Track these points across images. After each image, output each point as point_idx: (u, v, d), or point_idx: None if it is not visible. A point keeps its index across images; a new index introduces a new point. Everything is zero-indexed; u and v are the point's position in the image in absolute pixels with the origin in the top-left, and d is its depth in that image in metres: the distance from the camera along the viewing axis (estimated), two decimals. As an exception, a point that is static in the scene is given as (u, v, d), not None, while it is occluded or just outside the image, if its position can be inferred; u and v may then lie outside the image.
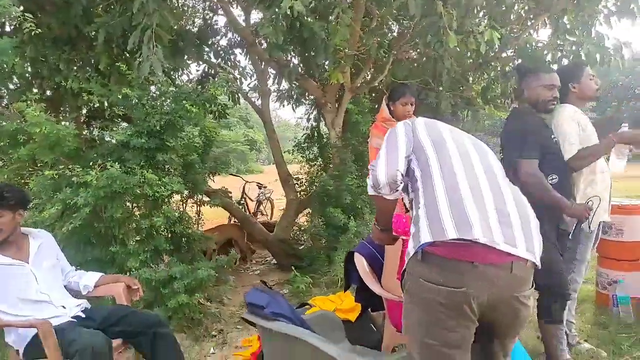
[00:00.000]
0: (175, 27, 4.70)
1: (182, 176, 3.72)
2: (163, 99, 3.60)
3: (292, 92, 6.68)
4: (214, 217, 6.61)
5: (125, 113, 3.73)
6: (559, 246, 2.58)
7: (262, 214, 8.98)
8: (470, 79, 4.99)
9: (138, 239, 3.54)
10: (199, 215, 4.45)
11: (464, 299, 1.40)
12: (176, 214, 3.59)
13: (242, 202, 8.49)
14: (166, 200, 3.48)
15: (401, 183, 1.59)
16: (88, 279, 2.59)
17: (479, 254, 1.39)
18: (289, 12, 3.07)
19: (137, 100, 3.38)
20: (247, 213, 8.36)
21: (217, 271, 3.54)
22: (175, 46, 4.08)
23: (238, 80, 6.59)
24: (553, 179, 2.54)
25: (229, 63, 6.47)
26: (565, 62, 4.25)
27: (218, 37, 6.22)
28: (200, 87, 6.89)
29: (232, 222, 6.52)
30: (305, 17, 3.29)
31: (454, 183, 1.50)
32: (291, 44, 3.85)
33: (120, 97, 3.34)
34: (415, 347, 1.53)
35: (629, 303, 3.59)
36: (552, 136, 2.60)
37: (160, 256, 3.60)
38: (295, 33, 3.66)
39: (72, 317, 2.34)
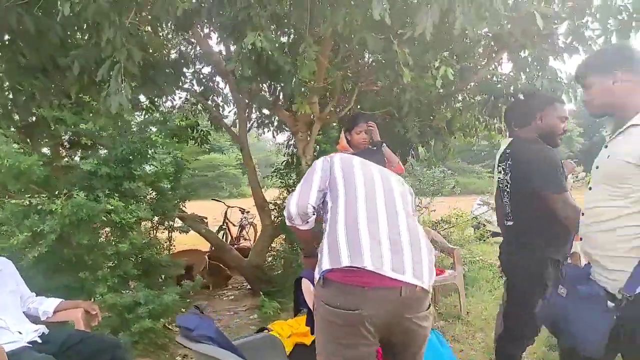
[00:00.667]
0: (154, 57, 4.86)
1: (152, 203, 3.82)
2: (132, 128, 3.72)
3: (273, 119, 6.84)
4: (194, 242, 6.68)
5: (93, 142, 3.85)
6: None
7: (245, 239, 9.03)
8: (442, 109, 5.17)
9: (108, 265, 3.62)
10: (170, 241, 4.54)
11: (358, 319, 1.55)
12: (144, 240, 3.68)
13: (224, 227, 8.57)
14: (134, 226, 3.58)
15: (313, 214, 1.75)
16: (48, 305, 2.67)
17: (368, 280, 1.54)
18: (251, 47, 3.25)
19: (109, 129, 3.50)
20: (229, 238, 8.45)
21: (182, 296, 3.61)
22: (146, 76, 4.21)
23: (221, 107, 6.77)
24: None
25: (211, 90, 6.63)
26: (521, 96, 4.45)
27: (200, 66, 6.39)
28: (177, 112, 7.10)
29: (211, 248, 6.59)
30: (271, 52, 3.45)
31: (354, 215, 1.66)
32: (260, 75, 4.02)
33: (91, 127, 3.45)
34: None
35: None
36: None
37: (128, 282, 3.67)
38: (262, 66, 3.83)
39: (28, 343, 2.40)
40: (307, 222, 1.79)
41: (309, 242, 1.99)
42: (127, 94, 3.33)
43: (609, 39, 4.43)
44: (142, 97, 6.75)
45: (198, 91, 6.43)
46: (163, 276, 3.91)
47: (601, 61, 1.78)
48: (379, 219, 1.67)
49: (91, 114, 3.68)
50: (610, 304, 1.61)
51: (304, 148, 4.97)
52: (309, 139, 4.87)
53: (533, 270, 2.42)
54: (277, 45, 3.72)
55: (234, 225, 8.81)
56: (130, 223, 3.43)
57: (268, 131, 7.34)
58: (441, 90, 4.00)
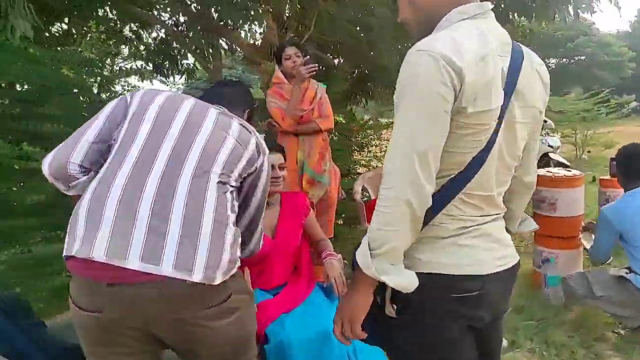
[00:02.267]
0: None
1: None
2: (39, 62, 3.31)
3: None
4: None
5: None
6: None
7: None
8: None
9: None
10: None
11: (104, 324, 1.16)
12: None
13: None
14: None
15: (83, 175, 1.29)
16: None
17: (110, 273, 1.12)
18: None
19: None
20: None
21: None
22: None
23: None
24: None
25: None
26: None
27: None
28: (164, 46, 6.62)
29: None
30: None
31: (110, 181, 1.20)
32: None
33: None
34: None
35: (558, 285, 3.23)
36: None
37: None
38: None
39: None
40: (72, 186, 1.30)
41: None
42: (28, 19, 2.94)
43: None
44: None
45: (182, 21, 5.92)
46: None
47: None
48: (147, 187, 1.19)
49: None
50: None
51: (267, 81, 4.47)
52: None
53: None
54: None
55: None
56: (28, 170, 3.09)
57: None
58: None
